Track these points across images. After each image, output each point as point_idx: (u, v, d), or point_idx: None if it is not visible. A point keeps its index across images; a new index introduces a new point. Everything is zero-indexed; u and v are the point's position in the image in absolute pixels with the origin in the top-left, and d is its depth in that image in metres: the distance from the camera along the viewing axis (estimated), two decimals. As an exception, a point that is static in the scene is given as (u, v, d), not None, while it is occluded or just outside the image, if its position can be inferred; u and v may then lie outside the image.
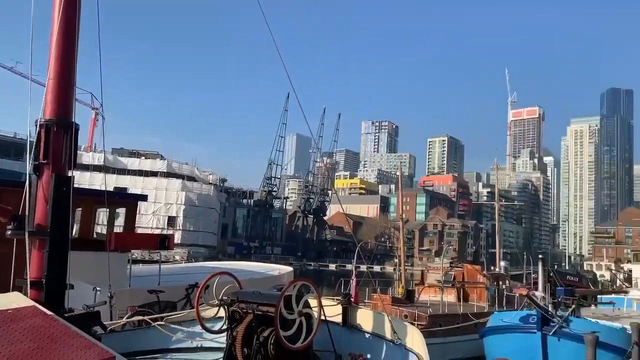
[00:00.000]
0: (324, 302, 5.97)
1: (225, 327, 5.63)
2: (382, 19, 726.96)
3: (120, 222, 11.02)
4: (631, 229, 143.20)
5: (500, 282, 19.67)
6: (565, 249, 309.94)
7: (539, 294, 12.83)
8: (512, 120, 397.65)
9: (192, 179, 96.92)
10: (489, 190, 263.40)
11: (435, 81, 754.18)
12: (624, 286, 31.79)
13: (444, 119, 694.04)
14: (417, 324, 15.45)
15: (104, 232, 10.77)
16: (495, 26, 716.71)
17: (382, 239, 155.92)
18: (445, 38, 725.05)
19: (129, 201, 12.11)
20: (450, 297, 18.89)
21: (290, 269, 10.67)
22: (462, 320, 15.81)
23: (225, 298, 5.65)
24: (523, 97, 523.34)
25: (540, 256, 13.59)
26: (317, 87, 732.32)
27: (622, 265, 39.02)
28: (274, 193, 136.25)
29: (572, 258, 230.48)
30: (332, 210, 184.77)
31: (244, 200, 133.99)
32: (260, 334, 5.06)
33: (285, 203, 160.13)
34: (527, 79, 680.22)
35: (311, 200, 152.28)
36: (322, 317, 5.36)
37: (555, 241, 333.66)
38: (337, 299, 6.23)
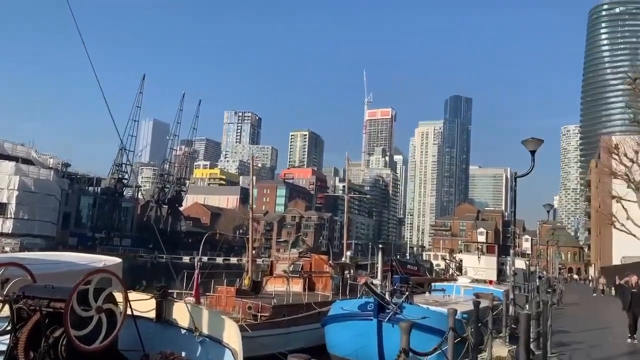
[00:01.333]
0: (136, 296, 5.33)
1: (9, 327, 4.74)
2: (250, 11, 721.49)
3: None
4: (465, 223, 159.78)
5: (346, 271, 20.27)
6: (410, 241, 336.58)
7: (376, 281, 13.17)
8: (367, 120, 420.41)
9: (28, 162, 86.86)
10: (344, 184, 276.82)
11: (299, 76, 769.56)
12: (455, 274, 34.94)
13: (307, 113, 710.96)
14: (261, 315, 15.18)
15: None
16: (355, 29, 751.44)
17: (241, 231, 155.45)
18: (310, 36, 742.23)
19: None
20: (296, 287, 18.94)
21: (118, 260, 9.52)
22: (305, 310, 15.88)
23: (12, 294, 4.77)
24: (379, 98, 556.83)
25: (380, 246, 13.92)
26: (179, 72, 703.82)
27: (454, 255, 43.18)
28: (124, 181, 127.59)
29: (415, 249, 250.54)
30: (189, 200, 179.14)
31: (90, 188, 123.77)
32: (51, 335, 4.35)
33: (138, 192, 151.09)
34: (383, 81, 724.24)
35: (166, 190, 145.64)
36: (130, 313, 4.79)
37: (401, 233, 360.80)
38: (152, 294, 5.57)
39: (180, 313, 5.39)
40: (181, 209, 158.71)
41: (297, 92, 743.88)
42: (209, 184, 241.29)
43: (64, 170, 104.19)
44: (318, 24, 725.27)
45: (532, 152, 13.23)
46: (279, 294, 16.52)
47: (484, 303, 18.54)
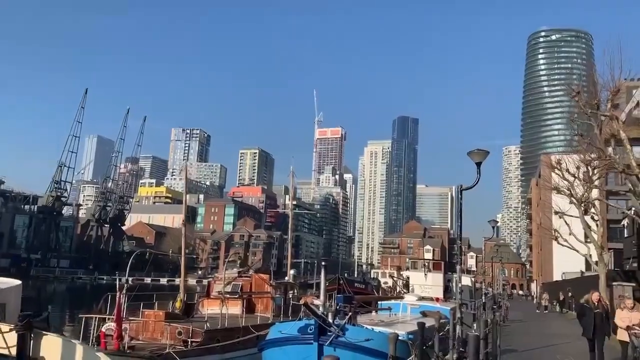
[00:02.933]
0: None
1: None
2: (198, 27, 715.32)
3: None
4: (412, 240, 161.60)
5: (290, 292, 19.20)
6: (360, 259, 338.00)
7: (317, 302, 12.16)
8: (318, 138, 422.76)
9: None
10: (295, 202, 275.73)
11: (248, 94, 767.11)
12: (402, 292, 34.35)
13: (257, 132, 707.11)
14: (192, 341, 13.85)
15: None
16: (305, 49, 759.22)
17: (187, 251, 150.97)
18: (259, 54, 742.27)
19: None
20: (235, 309, 17.68)
21: (17, 282, 8.20)
22: (243, 334, 14.68)
23: None
24: (329, 118, 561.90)
25: (323, 264, 12.92)
26: (124, 88, 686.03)
27: (402, 272, 42.87)
28: (63, 199, 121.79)
29: (364, 267, 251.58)
30: (134, 219, 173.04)
31: (26, 206, 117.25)
32: None
33: (78, 210, 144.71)
34: (333, 101, 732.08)
35: (108, 208, 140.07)
36: None
37: (351, 251, 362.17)
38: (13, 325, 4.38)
39: (50, 349, 4.24)
40: (124, 228, 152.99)
41: (247, 110, 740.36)
42: (154, 203, 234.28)
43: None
44: (268, 42, 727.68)
45: (478, 164, 12.76)
46: (214, 318, 15.23)
47: (429, 322, 17.92)
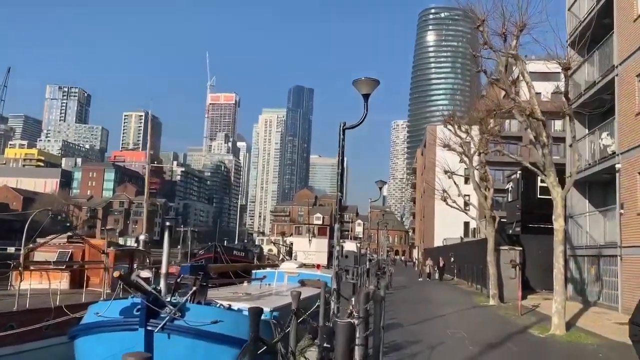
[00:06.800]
0: None
1: None
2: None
3: None
4: (303, 209, 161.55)
5: (137, 261, 15.59)
6: (252, 228, 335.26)
7: (145, 273, 8.71)
8: (210, 104, 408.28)
9: None
10: (183, 169, 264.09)
11: (136, 54, 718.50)
12: (285, 259, 31.90)
13: (143, 95, 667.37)
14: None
15: None
16: (199, 5, 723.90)
17: (59, 217, 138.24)
18: (150, 11, 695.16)
19: None
20: (63, 282, 13.77)
21: None
22: (54, 317, 10.97)
23: None
24: (222, 83, 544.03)
25: (167, 224, 9.36)
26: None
27: (285, 238, 40.55)
28: None
29: (255, 235, 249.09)
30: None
31: None
32: None
33: None
34: (227, 65, 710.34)
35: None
36: None
37: (243, 220, 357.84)
38: None
39: None
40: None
41: (134, 70, 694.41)
42: (24, 166, 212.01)
43: None
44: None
45: (365, 97, 10.01)
46: (25, 295, 11.26)
47: (308, 292, 15.28)
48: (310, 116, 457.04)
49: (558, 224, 13.37)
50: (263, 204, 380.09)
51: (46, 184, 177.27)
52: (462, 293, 26.29)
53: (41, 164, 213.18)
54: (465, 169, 23.41)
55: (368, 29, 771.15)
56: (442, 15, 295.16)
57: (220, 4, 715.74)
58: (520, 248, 21.18)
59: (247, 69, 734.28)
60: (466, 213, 23.40)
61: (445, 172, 22.32)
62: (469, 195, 28.00)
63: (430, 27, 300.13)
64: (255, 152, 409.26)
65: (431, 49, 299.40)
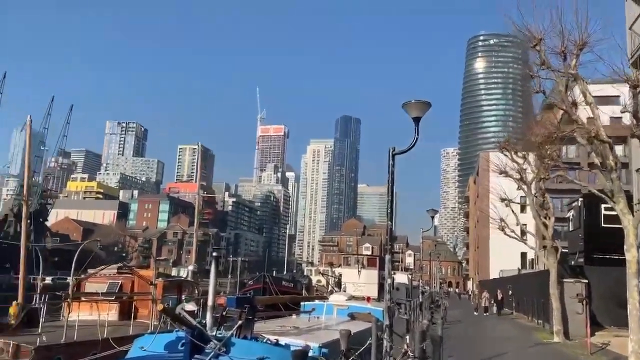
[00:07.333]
0: None
1: None
2: (140, 16, 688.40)
3: None
4: (352, 238, 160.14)
5: (185, 292, 15.46)
6: (300, 257, 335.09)
7: (190, 307, 8.42)
8: (260, 136, 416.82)
9: None
10: (234, 200, 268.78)
11: (187, 89, 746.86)
12: (335, 290, 31.21)
13: (198, 128, 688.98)
14: (18, 362, 9.89)
15: None
16: (249, 43, 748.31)
17: (116, 249, 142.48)
18: (202, 49, 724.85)
19: None
20: (112, 313, 13.78)
21: None
22: (101, 349, 10.87)
23: None
24: (272, 115, 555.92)
25: (214, 254, 9.09)
26: (56, 79, 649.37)
27: (334, 269, 39.70)
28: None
29: (304, 265, 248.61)
30: (60, 215, 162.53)
31: None
32: None
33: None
34: (276, 98, 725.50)
35: (30, 203, 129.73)
36: None
37: (292, 250, 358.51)
38: None
39: None
40: (48, 224, 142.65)
41: (187, 105, 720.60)
42: (84, 198, 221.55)
43: None
44: (211, 37, 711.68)
45: (416, 120, 9.55)
46: (74, 326, 11.26)
47: (357, 327, 14.58)
48: (357, 145, 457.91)
49: (631, 254, 12.28)
50: (311, 234, 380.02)
51: (104, 216, 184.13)
52: (522, 328, 24.77)
53: (100, 196, 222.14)
54: (521, 196, 22.34)
55: (415, 56, 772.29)
56: (491, 42, 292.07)
57: (270, 50, 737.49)
58: (586, 281, 19.74)
59: (295, 100, 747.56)
60: (525, 243, 22.19)
61: (502, 199, 21.29)
62: (525, 224, 26.70)
63: (480, 54, 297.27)
64: (304, 182, 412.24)
65: (481, 75, 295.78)
